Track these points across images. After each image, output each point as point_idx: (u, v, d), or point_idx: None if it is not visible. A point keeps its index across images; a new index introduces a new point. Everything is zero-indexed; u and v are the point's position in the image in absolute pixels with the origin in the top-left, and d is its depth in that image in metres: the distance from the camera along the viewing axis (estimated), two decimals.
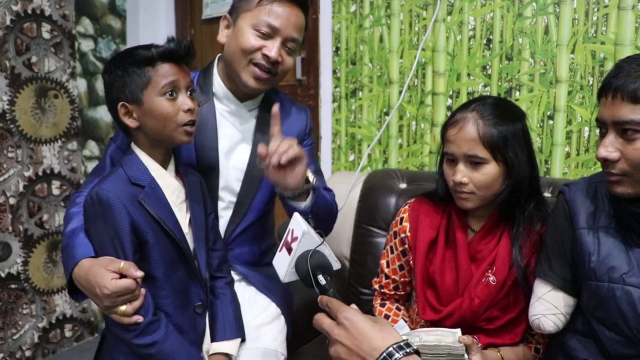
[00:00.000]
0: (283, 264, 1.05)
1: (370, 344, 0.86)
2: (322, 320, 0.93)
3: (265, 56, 1.41)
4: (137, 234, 1.23)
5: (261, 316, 1.51)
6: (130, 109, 1.26)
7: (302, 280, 1.01)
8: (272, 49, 1.41)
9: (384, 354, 0.84)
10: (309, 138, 1.66)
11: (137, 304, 1.21)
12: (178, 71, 1.27)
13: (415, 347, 0.86)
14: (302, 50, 2.44)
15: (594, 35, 1.86)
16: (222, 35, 1.48)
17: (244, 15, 1.43)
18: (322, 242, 1.03)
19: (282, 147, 1.28)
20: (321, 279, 0.98)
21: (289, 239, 1.05)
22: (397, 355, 0.83)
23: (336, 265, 1.04)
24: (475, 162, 1.34)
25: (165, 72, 1.25)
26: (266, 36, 1.42)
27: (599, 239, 1.22)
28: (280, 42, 1.43)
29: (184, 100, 1.27)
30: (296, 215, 1.08)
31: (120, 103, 1.25)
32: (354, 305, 0.94)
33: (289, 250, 1.04)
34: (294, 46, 1.47)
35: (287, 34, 1.43)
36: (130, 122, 1.26)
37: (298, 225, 1.04)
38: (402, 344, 0.85)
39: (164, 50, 1.24)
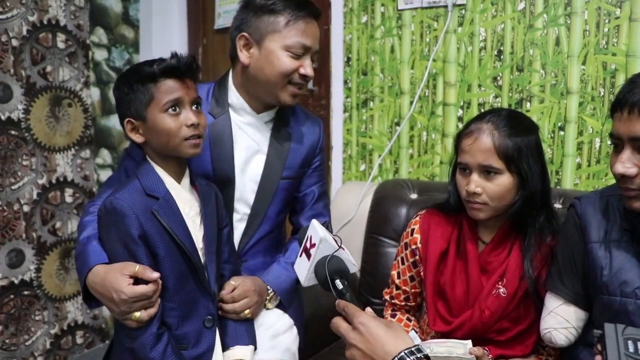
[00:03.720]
0: (303, 269, 1.09)
1: (384, 349, 0.90)
2: (339, 324, 0.97)
3: (302, 75, 1.45)
4: (147, 245, 1.24)
5: (275, 327, 1.52)
6: (136, 125, 1.27)
7: (321, 284, 1.05)
8: (307, 67, 1.46)
9: (396, 359, 0.89)
10: (320, 155, 1.66)
11: (152, 311, 1.22)
12: (181, 87, 1.27)
13: (425, 352, 0.90)
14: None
15: (605, 46, 1.86)
16: (244, 57, 1.46)
17: (272, 37, 1.43)
18: (339, 248, 1.06)
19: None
20: (338, 284, 1.02)
21: (308, 245, 1.09)
22: None
23: (353, 268, 1.08)
24: (489, 172, 1.35)
25: (167, 89, 1.25)
26: (298, 57, 1.45)
27: (610, 253, 1.22)
28: (310, 58, 1.47)
29: (187, 116, 1.27)
30: (314, 222, 1.11)
31: (127, 119, 1.28)
32: (369, 309, 0.99)
33: (308, 256, 1.07)
34: (316, 58, 1.52)
35: (315, 49, 1.48)
36: (137, 138, 1.28)
37: (315, 232, 1.07)
38: (413, 349, 0.90)
39: (165, 66, 1.25)
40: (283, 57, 1.43)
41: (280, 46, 1.43)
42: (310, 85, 2.49)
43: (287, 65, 1.43)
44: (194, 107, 1.29)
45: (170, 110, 1.25)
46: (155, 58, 1.29)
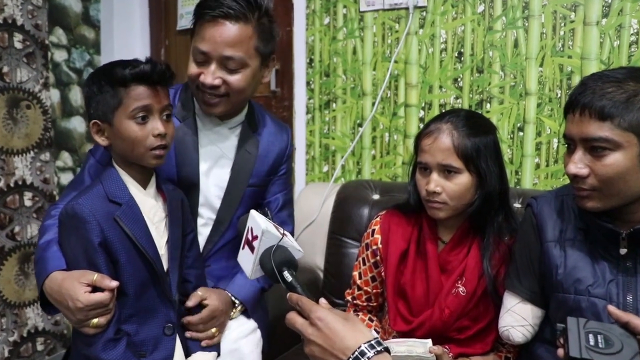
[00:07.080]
0: (248, 262, 1.04)
1: (343, 343, 0.88)
2: (294, 319, 0.94)
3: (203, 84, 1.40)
4: (108, 252, 1.21)
5: (238, 330, 1.51)
6: (102, 127, 1.24)
7: (269, 276, 1.01)
8: (208, 75, 1.39)
9: (357, 353, 0.87)
10: (287, 163, 1.66)
11: (109, 317, 1.20)
12: (152, 94, 1.22)
13: (385, 345, 0.89)
14: (276, 62, 2.45)
15: (562, 49, 1.90)
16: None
17: (191, 44, 1.43)
18: (282, 236, 1.02)
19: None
20: (287, 276, 0.98)
21: (250, 237, 1.04)
22: (369, 354, 0.86)
23: (298, 254, 1.04)
24: (449, 172, 1.37)
25: (137, 95, 1.21)
26: (202, 63, 1.40)
27: (565, 251, 1.25)
28: (216, 66, 1.39)
29: (155, 125, 1.23)
30: (253, 212, 1.06)
31: (93, 121, 1.24)
32: (323, 301, 0.96)
33: (252, 248, 1.03)
34: (235, 64, 1.39)
35: (219, 55, 1.38)
36: (101, 141, 1.25)
37: (256, 223, 1.03)
38: (373, 342, 0.88)
39: (138, 72, 1.20)
40: (190, 62, 1.42)
41: (191, 52, 1.42)
42: (272, 86, 2.49)
43: (190, 71, 1.41)
44: (164, 116, 1.25)
45: (138, 118, 1.21)
46: (129, 59, 1.24)
